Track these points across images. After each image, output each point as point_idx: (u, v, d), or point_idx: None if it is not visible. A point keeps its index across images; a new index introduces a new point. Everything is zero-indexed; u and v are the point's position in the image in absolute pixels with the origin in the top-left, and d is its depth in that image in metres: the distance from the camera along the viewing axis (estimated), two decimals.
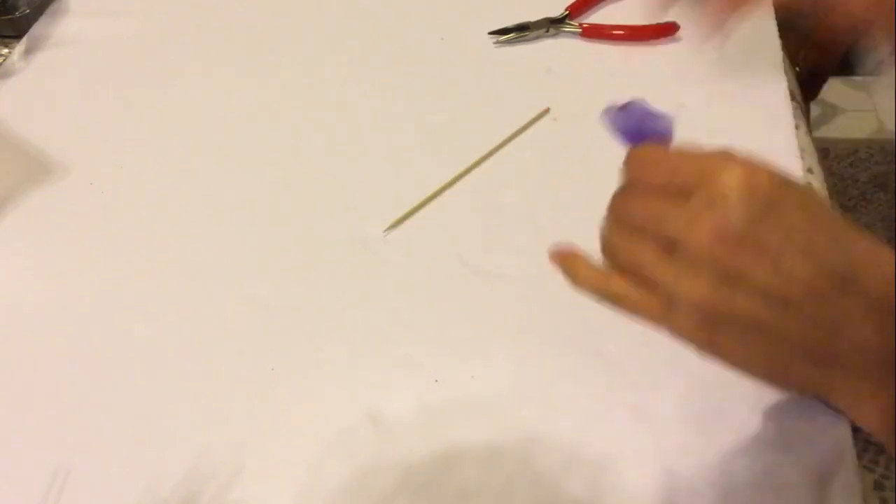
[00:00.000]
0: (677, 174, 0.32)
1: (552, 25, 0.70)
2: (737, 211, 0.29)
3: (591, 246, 0.55)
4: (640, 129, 0.38)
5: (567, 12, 0.71)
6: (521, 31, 0.70)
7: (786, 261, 0.29)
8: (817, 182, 0.58)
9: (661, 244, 0.31)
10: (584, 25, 0.70)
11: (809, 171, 0.58)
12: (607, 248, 0.35)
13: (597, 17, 0.72)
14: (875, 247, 0.30)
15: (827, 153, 1.66)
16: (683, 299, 0.30)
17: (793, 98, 0.63)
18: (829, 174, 0.60)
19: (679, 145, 0.34)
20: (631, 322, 0.50)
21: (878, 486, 1.08)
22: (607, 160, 0.61)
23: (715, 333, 0.30)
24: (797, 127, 0.61)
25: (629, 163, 0.35)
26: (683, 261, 0.30)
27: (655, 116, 0.38)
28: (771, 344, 0.30)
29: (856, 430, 0.46)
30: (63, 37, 0.74)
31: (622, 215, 0.35)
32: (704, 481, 0.43)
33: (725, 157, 0.31)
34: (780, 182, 0.30)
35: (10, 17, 0.74)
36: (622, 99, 0.40)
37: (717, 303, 0.29)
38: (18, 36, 0.74)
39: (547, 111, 0.63)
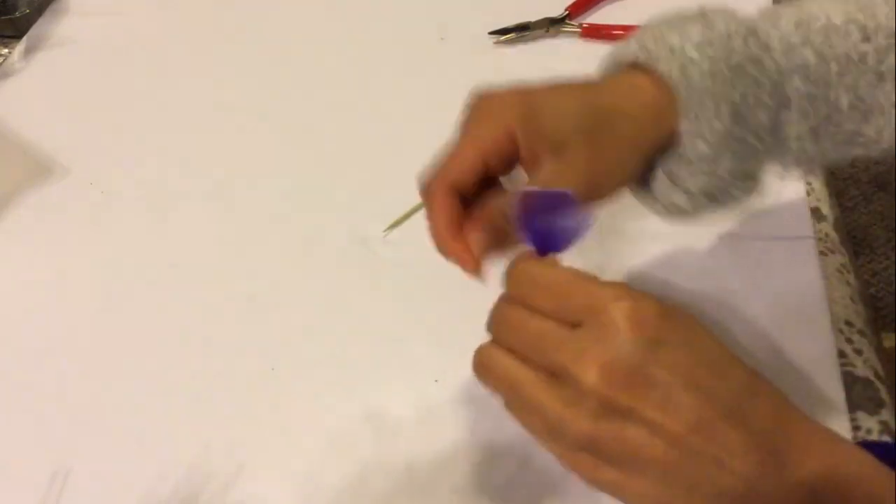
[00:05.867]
0: (567, 302, 0.31)
1: (552, 25, 0.70)
2: (626, 346, 0.29)
3: (590, 245, 0.55)
4: (550, 230, 0.34)
5: (567, 12, 0.71)
6: (521, 31, 0.70)
7: (673, 396, 0.29)
8: (818, 182, 0.58)
9: (544, 368, 0.31)
10: (584, 25, 0.70)
11: None
12: (482, 361, 0.34)
13: (597, 17, 0.72)
14: (757, 382, 0.31)
15: None
16: (570, 430, 0.30)
17: None
18: (829, 174, 0.60)
19: (570, 271, 0.32)
20: None
21: None
22: None
23: (600, 466, 0.30)
24: None
25: (515, 279, 0.34)
26: (570, 390, 0.30)
27: (571, 212, 0.33)
28: (657, 480, 0.30)
29: (855, 429, 0.46)
30: (63, 37, 0.74)
31: (504, 331, 0.33)
32: None
33: (616, 289, 0.30)
34: (667, 315, 0.30)
35: (10, 17, 0.74)
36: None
37: (604, 436, 0.29)
38: (18, 36, 0.74)
39: None
